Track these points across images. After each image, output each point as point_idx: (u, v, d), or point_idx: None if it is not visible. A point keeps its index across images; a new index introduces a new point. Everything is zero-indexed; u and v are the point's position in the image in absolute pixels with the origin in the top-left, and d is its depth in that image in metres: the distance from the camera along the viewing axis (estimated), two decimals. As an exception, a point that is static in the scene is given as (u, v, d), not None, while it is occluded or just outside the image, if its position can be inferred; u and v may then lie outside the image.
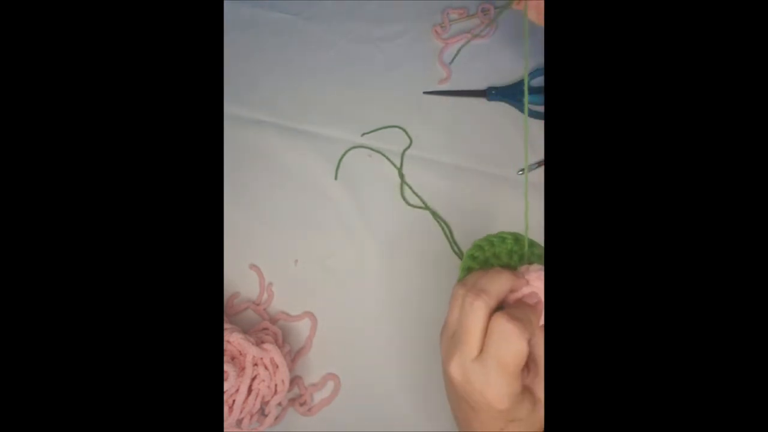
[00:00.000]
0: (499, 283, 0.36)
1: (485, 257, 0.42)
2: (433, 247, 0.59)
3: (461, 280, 0.38)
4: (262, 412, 0.52)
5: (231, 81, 0.68)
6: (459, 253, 0.58)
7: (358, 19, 0.73)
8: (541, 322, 0.36)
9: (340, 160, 0.64)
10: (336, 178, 0.63)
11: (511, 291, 0.37)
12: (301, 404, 0.53)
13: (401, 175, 0.62)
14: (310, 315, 0.57)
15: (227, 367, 0.49)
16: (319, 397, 0.54)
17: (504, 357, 0.33)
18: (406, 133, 0.65)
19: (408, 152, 0.64)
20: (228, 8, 0.74)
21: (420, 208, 0.61)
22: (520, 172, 0.60)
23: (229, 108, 0.67)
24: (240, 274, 0.60)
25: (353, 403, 0.54)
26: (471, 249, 0.42)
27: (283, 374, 0.51)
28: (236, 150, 0.65)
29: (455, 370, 0.35)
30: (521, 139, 0.63)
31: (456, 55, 0.68)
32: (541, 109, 0.64)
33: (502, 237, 0.42)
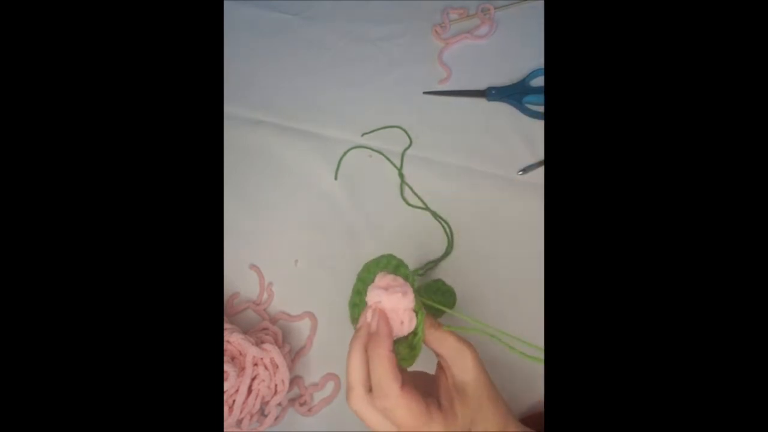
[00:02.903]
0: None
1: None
2: (433, 247, 0.58)
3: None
4: (262, 412, 0.52)
5: (231, 81, 0.68)
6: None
7: (358, 19, 0.73)
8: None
9: (340, 160, 0.64)
10: (336, 178, 0.63)
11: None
12: (301, 404, 0.53)
13: (401, 175, 0.62)
14: (310, 315, 0.57)
15: (227, 367, 0.49)
16: (319, 397, 0.54)
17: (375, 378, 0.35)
18: (406, 133, 0.65)
19: (408, 152, 0.64)
20: (228, 8, 0.74)
21: (420, 208, 0.61)
22: (521, 172, 0.60)
23: (229, 108, 0.68)
24: (240, 274, 0.60)
25: (353, 403, 0.54)
26: (352, 297, 0.41)
27: (283, 374, 0.51)
28: (236, 150, 0.65)
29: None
30: (521, 139, 0.63)
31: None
32: (541, 109, 0.64)
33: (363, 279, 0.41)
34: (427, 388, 0.38)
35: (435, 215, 0.60)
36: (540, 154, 0.61)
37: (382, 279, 0.38)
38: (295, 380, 0.54)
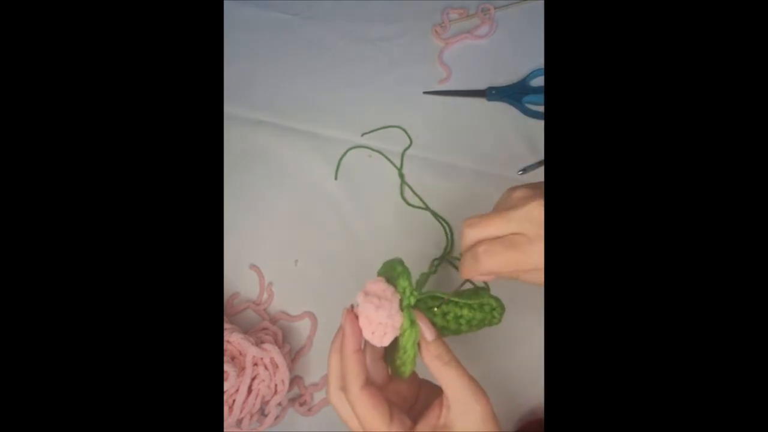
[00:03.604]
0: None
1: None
2: (433, 247, 0.58)
3: None
4: (262, 412, 0.52)
5: (231, 81, 0.68)
6: (455, 258, 0.58)
7: (358, 19, 0.73)
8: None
9: (340, 160, 0.64)
10: (336, 178, 0.63)
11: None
12: (301, 404, 0.53)
13: (401, 175, 0.62)
14: (310, 315, 0.57)
15: (227, 367, 0.49)
16: (319, 397, 0.54)
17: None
18: (406, 133, 0.65)
19: (408, 152, 0.64)
20: (228, 8, 0.74)
21: (420, 208, 0.61)
22: (520, 172, 0.60)
23: (229, 108, 0.67)
24: (240, 274, 0.60)
25: (353, 403, 0.54)
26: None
27: (283, 374, 0.51)
28: (236, 150, 0.65)
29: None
30: (521, 139, 0.63)
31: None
32: (541, 109, 0.64)
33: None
34: (428, 399, 0.38)
35: (435, 215, 0.60)
36: (540, 154, 0.61)
37: (372, 284, 0.37)
38: (295, 380, 0.54)
